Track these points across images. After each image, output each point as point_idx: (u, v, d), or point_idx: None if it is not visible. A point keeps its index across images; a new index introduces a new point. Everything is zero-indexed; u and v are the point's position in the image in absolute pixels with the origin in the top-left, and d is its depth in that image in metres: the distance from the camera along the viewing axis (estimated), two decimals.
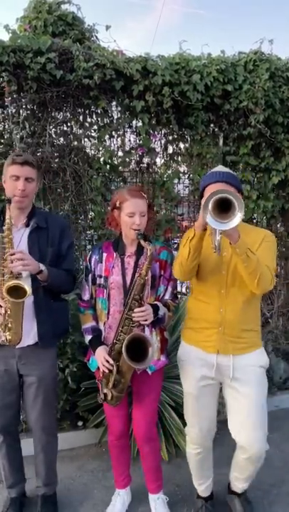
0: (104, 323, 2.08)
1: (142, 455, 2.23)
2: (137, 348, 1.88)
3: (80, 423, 2.96)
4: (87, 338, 2.11)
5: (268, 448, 2.03)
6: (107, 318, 2.06)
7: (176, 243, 3.59)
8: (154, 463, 2.24)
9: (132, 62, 3.05)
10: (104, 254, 2.10)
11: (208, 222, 1.65)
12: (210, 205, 1.63)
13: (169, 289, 2.12)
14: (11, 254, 1.81)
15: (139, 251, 2.06)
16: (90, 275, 2.12)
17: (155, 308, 1.98)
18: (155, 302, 2.03)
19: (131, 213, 1.97)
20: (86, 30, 3.29)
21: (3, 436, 2.16)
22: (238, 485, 2.24)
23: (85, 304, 2.16)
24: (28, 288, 1.77)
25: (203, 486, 2.29)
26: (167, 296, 2.11)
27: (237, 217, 1.61)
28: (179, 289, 2.98)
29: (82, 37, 3.23)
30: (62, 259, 2.10)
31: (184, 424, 2.72)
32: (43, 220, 2.08)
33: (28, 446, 2.33)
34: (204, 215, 1.66)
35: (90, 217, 3.33)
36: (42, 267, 1.92)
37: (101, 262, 2.09)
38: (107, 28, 3.12)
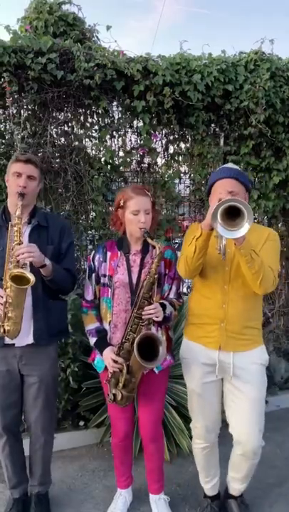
0: (110, 323, 2.07)
1: (146, 455, 2.23)
2: (147, 347, 1.87)
3: (81, 423, 2.96)
4: (92, 340, 2.10)
5: (263, 444, 2.05)
6: (112, 317, 2.05)
7: (177, 243, 3.60)
8: (158, 463, 2.24)
9: (133, 62, 3.05)
10: (109, 253, 2.10)
11: (217, 230, 1.66)
12: (219, 214, 1.64)
13: (174, 288, 2.11)
14: (19, 244, 1.85)
15: (144, 249, 2.06)
16: (93, 275, 2.12)
17: (162, 307, 1.98)
18: (162, 301, 2.03)
19: (136, 211, 1.97)
20: (87, 31, 3.29)
21: (6, 436, 2.16)
22: (235, 486, 2.23)
23: (88, 304, 2.15)
24: (32, 276, 1.80)
25: (209, 484, 2.28)
26: (172, 295, 2.11)
27: (245, 227, 1.63)
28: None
29: (83, 37, 3.23)
30: (62, 258, 2.11)
31: (186, 424, 2.73)
32: (44, 219, 2.11)
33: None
34: (213, 222, 1.66)
35: (91, 217, 3.34)
36: (47, 260, 1.94)
37: (105, 261, 2.09)
38: (108, 28, 3.12)
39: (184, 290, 3.62)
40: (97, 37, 3.34)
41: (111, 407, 2.15)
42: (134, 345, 1.85)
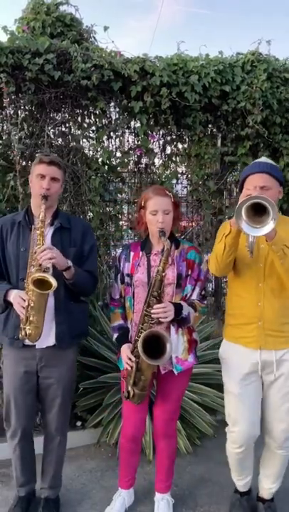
0: (131, 321, 2.10)
1: (157, 451, 2.25)
2: (155, 345, 1.87)
3: (78, 423, 2.96)
4: (114, 336, 2.15)
5: None
6: (133, 316, 2.08)
7: None
8: (168, 461, 2.24)
9: (130, 63, 3.05)
10: (132, 253, 2.13)
11: (242, 227, 1.65)
12: (243, 211, 1.63)
13: (197, 289, 2.10)
14: (41, 247, 1.85)
15: None
16: (118, 275, 2.16)
17: (178, 308, 1.97)
18: (179, 301, 2.02)
19: (154, 211, 1.99)
20: (84, 31, 3.29)
21: (20, 436, 2.16)
22: (266, 485, 2.21)
23: (115, 302, 2.19)
24: (54, 281, 1.80)
25: (241, 482, 2.26)
26: (194, 297, 2.09)
27: (270, 225, 1.61)
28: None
29: (80, 38, 3.23)
30: (84, 260, 2.12)
31: (184, 425, 2.74)
32: (67, 220, 2.11)
33: (36, 444, 2.31)
34: (237, 220, 1.64)
35: (88, 217, 3.34)
36: (70, 263, 1.95)
37: (128, 261, 2.12)
38: (106, 29, 3.12)
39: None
40: (94, 38, 3.35)
41: (125, 405, 2.16)
42: (139, 342, 1.86)
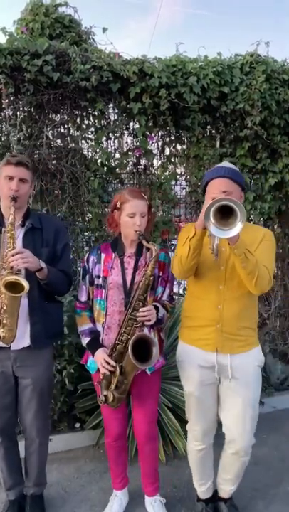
0: (103, 324, 2.07)
1: (141, 456, 2.24)
2: (141, 349, 1.88)
3: (77, 425, 2.96)
4: (85, 340, 2.10)
5: (254, 442, 2.07)
6: (105, 319, 2.06)
7: (173, 245, 3.60)
8: (153, 464, 2.25)
9: (129, 64, 3.05)
10: (103, 255, 2.10)
11: (210, 230, 1.66)
12: (211, 213, 1.64)
13: (167, 290, 2.13)
14: (12, 250, 1.83)
15: (138, 252, 2.07)
16: (87, 276, 2.12)
17: (156, 309, 1.99)
18: (155, 303, 2.04)
19: (132, 214, 1.98)
20: (83, 33, 3.30)
21: (1, 438, 2.16)
22: (226, 488, 2.23)
23: (82, 305, 2.15)
24: (26, 284, 1.78)
25: (204, 487, 2.28)
26: (165, 297, 2.12)
27: (238, 227, 1.62)
28: (176, 290, 2.98)
29: (79, 39, 3.24)
30: (58, 260, 2.10)
31: (181, 425, 2.73)
32: (38, 221, 2.09)
33: (21, 448, 2.31)
34: (205, 222, 1.65)
35: (87, 218, 3.34)
36: (42, 264, 1.93)
37: (99, 263, 2.09)
38: (104, 30, 3.13)
39: (181, 292, 3.63)
40: (93, 39, 3.36)
41: (104, 407, 2.15)
42: (129, 346, 1.86)
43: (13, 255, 1.82)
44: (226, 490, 2.24)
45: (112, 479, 2.34)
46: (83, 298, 2.15)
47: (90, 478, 2.63)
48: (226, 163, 2.01)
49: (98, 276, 2.08)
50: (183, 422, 2.78)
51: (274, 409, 3.43)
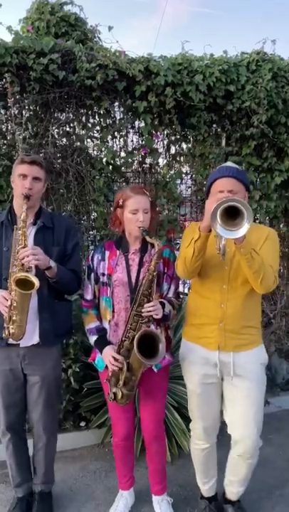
0: (110, 322, 2.07)
1: (148, 455, 2.24)
2: (147, 345, 1.87)
3: (82, 423, 2.96)
4: (92, 338, 2.10)
5: (261, 444, 2.05)
6: (113, 316, 2.06)
7: (178, 243, 3.59)
8: (161, 463, 2.24)
9: (135, 62, 3.05)
10: (107, 253, 2.10)
11: (217, 231, 1.65)
12: (218, 214, 1.63)
13: (172, 287, 2.12)
14: (23, 247, 1.86)
15: (143, 248, 2.06)
16: (92, 274, 2.12)
17: (162, 305, 1.98)
18: (161, 300, 2.03)
19: (134, 210, 1.98)
20: (88, 31, 3.30)
21: (10, 434, 2.18)
22: (233, 490, 2.22)
23: (88, 303, 2.15)
24: (36, 281, 1.80)
25: (207, 486, 2.28)
26: (170, 294, 2.11)
27: (245, 227, 1.62)
28: (181, 289, 2.96)
29: (84, 38, 3.24)
30: (68, 259, 2.11)
31: (187, 424, 2.72)
32: (49, 219, 2.11)
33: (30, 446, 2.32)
34: (212, 223, 1.65)
35: (92, 217, 3.34)
36: (52, 263, 1.95)
37: (104, 261, 2.09)
38: (110, 28, 3.12)
39: (185, 291, 3.62)
40: (98, 37, 3.35)
41: (111, 407, 2.15)
42: (134, 342, 1.86)
43: (23, 252, 1.83)
44: (232, 491, 2.23)
45: (118, 479, 2.34)
46: (89, 296, 2.15)
47: (96, 477, 2.64)
48: (229, 163, 2.01)
49: (103, 274, 2.08)
50: (188, 421, 2.76)
51: (279, 409, 3.41)
